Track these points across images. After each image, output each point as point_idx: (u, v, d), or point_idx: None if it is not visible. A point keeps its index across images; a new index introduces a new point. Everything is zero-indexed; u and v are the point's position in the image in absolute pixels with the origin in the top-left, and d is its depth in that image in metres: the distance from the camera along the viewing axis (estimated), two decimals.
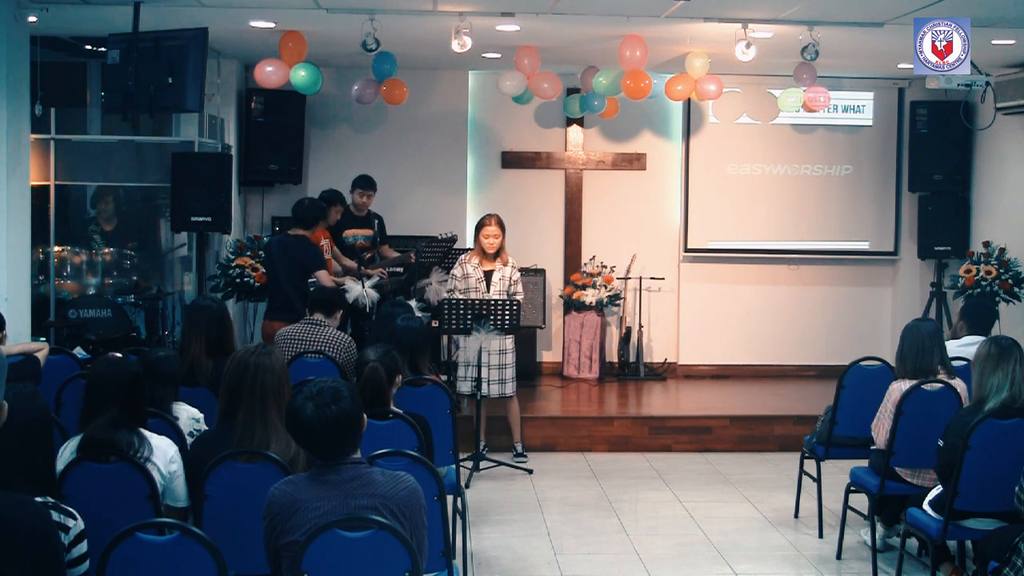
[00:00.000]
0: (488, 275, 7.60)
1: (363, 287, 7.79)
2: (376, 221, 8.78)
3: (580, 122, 10.34)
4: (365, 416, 3.31)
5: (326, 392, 3.19)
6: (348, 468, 3.20)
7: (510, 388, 7.66)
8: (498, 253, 7.65)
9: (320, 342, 6.12)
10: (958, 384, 5.41)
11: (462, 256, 7.82)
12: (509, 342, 7.64)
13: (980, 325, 6.31)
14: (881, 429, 5.43)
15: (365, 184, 8.74)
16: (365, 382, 4.54)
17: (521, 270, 7.81)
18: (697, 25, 7.29)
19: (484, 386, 7.54)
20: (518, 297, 7.58)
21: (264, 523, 3.21)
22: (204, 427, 4.51)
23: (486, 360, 7.53)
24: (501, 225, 7.65)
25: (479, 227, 7.69)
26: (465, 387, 7.61)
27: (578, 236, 10.42)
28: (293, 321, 6.83)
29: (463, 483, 6.44)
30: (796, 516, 6.61)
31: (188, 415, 4.50)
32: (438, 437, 4.99)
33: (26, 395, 3.03)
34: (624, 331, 10.21)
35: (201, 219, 8.48)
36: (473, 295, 7.52)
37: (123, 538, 3.08)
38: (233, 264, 8.89)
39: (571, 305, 10.11)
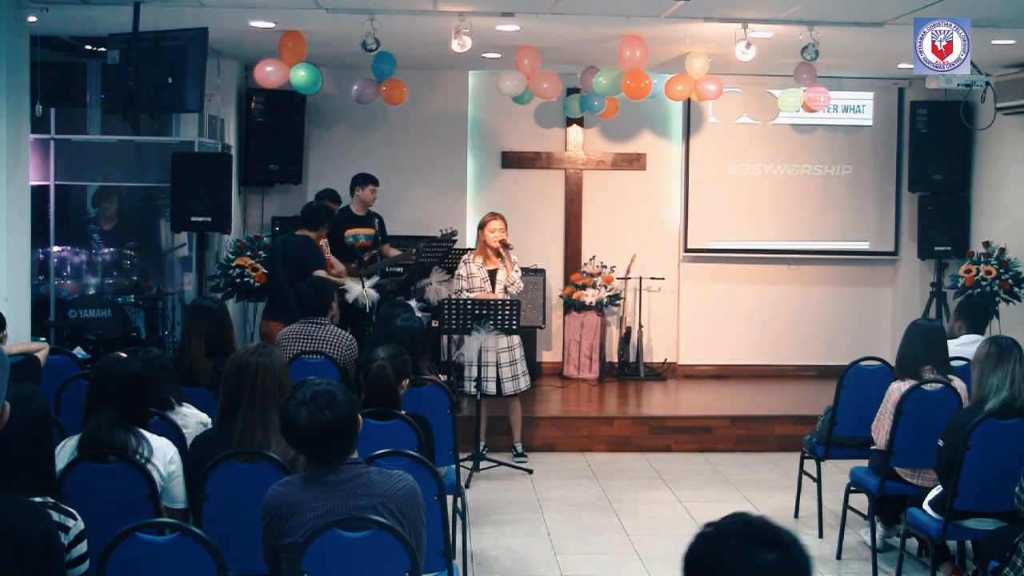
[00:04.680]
0: (492, 274, 7.59)
1: (363, 287, 7.80)
2: (376, 220, 8.79)
3: (580, 122, 10.34)
4: (361, 417, 3.31)
5: (320, 397, 3.17)
6: (346, 469, 3.20)
7: (523, 383, 7.68)
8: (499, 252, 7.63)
9: (321, 341, 6.11)
10: (958, 384, 5.42)
11: (465, 256, 7.81)
12: (515, 338, 7.65)
13: (976, 323, 6.32)
14: (881, 429, 5.43)
15: (373, 180, 8.78)
16: (372, 380, 4.54)
17: (521, 270, 7.81)
18: (697, 25, 7.29)
19: (493, 385, 7.55)
20: (512, 288, 7.55)
21: (263, 525, 3.21)
22: None
23: (494, 360, 7.54)
24: (504, 222, 7.64)
25: (482, 225, 7.67)
26: (470, 387, 7.60)
27: (578, 236, 10.42)
28: (291, 322, 6.83)
29: (463, 483, 6.44)
30: (796, 516, 6.61)
31: (197, 419, 4.50)
32: (438, 437, 4.99)
33: (26, 395, 3.03)
34: (624, 331, 10.21)
35: (201, 219, 8.49)
36: (478, 294, 7.51)
37: (123, 538, 3.08)
38: (233, 264, 8.89)
39: (571, 305, 10.11)
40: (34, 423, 3.00)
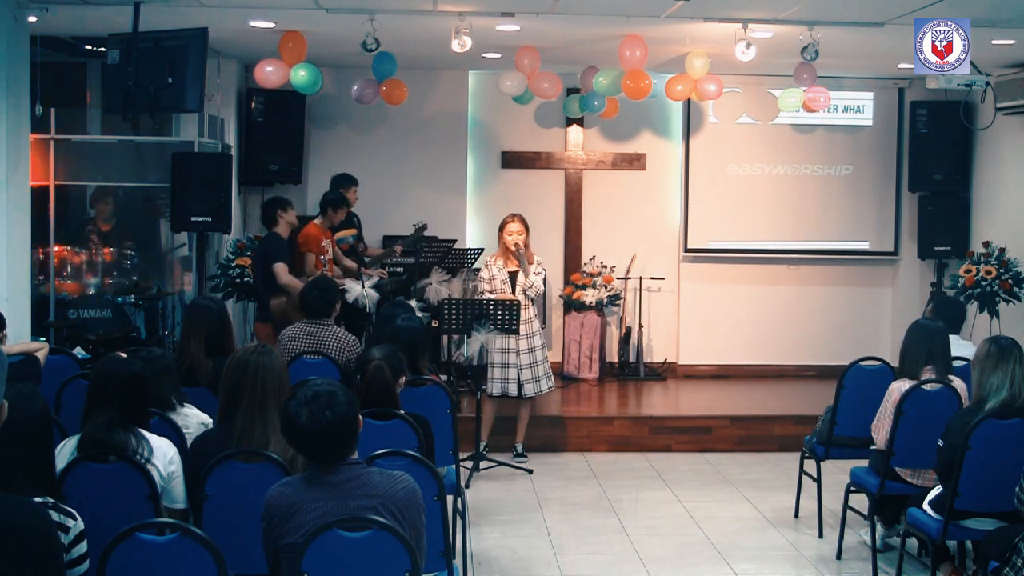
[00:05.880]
0: (513, 276, 7.59)
1: (363, 287, 7.80)
2: (356, 219, 8.79)
3: (580, 122, 10.34)
4: (361, 417, 3.31)
5: (321, 397, 3.17)
6: (346, 469, 3.20)
7: (545, 385, 7.67)
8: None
9: (323, 341, 6.10)
10: (958, 384, 5.41)
11: (488, 258, 7.82)
12: (537, 339, 7.65)
13: (950, 324, 6.30)
14: (881, 429, 5.43)
15: (356, 181, 8.81)
16: (369, 380, 4.54)
17: (544, 271, 7.81)
18: (697, 25, 7.29)
19: (514, 386, 7.54)
20: (531, 291, 7.54)
21: (263, 525, 3.20)
22: None
23: (514, 361, 7.54)
24: (524, 223, 7.63)
25: (501, 227, 7.67)
26: (495, 388, 7.60)
27: (578, 236, 10.42)
28: (269, 321, 6.82)
29: (463, 483, 6.44)
30: (796, 516, 6.61)
31: (198, 420, 4.50)
32: (438, 437, 4.99)
33: (26, 395, 3.03)
34: (624, 331, 10.21)
35: (201, 219, 8.49)
36: (497, 296, 7.51)
37: (123, 538, 3.08)
38: (233, 264, 8.90)
39: (571, 305, 10.11)
40: (34, 423, 3.00)
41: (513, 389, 7.57)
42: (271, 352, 4.05)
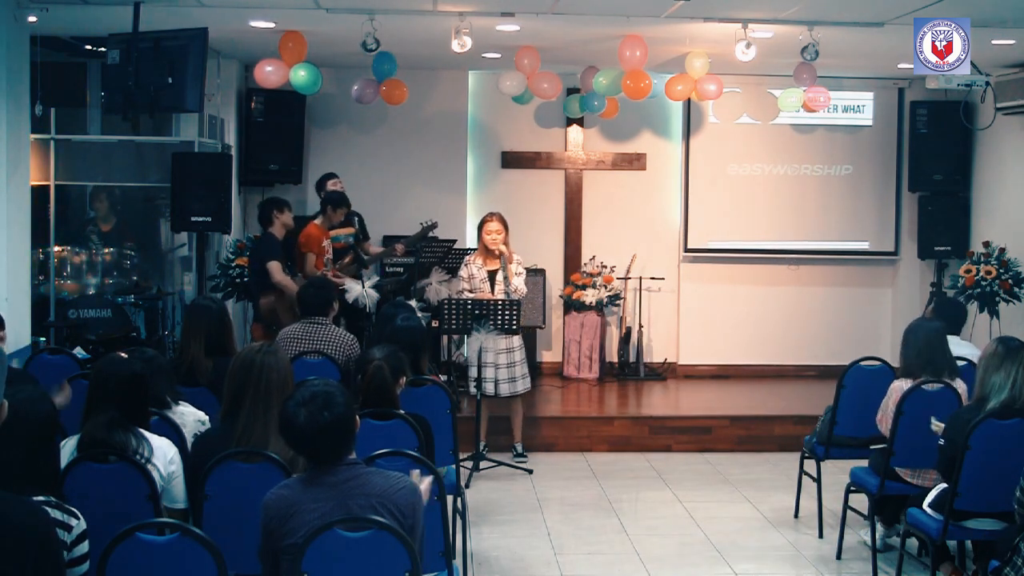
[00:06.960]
0: (492, 275, 7.59)
1: (363, 287, 7.80)
2: (356, 219, 8.78)
3: (580, 122, 10.34)
4: (358, 417, 3.31)
5: (319, 398, 3.18)
6: (344, 469, 3.20)
7: (520, 386, 7.66)
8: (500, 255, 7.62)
9: (321, 341, 6.10)
10: (958, 384, 5.41)
11: (467, 257, 7.81)
12: (516, 340, 7.63)
13: (952, 324, 6.31)
14: (885, 424, 5.44)
15: (333, 174, 8.84)
16: (369, 380, 4.54)
17: (525, 271, 7.80)
18: (697, 25, 7.29)
19: (491, 386, 7.54)
20: (515, 295, 7.53)
21: (260, 528, 3.20)
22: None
23: (492, 360, 7.53)
24: (503, 222, 7.63)
25: (480, 226, 7.67)
26: (471, 387, 7.59)
27: (578, 236, 10.42)
28: (262, 321, 6.78)
29: (463, 483, 6.44)
30: (796, 516, 6.61)
31: (195, 418, 4.49)
32: (438, 437, 4.99)
33: (34, 398, 3.04)
34: (624, 331, 10.21)
35: (201, 219, 8.48)
36: (477, 295, 7.50)
37: (123, 538, 3.08)
38: (233, 264, 8.90)
39: (571, 305, 10.11)
40: (39, 425, 3.01)
41: (490, 388, 7.56)
42: (276, 352, 4.05)
